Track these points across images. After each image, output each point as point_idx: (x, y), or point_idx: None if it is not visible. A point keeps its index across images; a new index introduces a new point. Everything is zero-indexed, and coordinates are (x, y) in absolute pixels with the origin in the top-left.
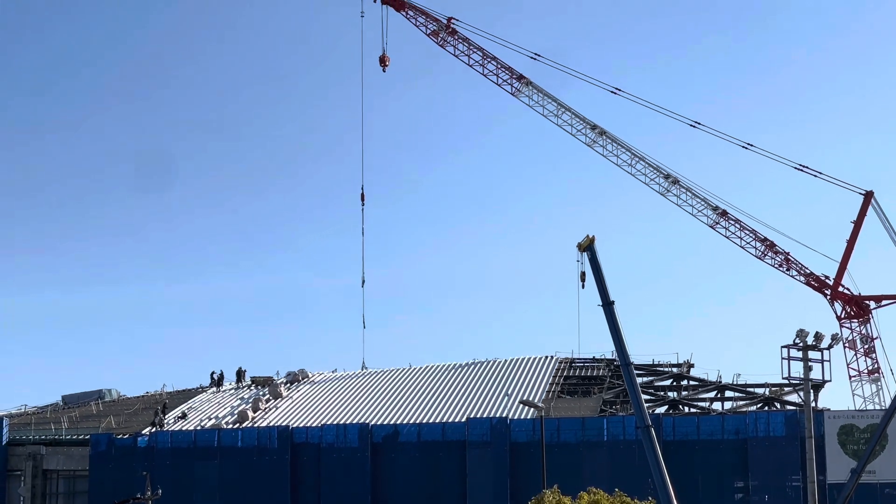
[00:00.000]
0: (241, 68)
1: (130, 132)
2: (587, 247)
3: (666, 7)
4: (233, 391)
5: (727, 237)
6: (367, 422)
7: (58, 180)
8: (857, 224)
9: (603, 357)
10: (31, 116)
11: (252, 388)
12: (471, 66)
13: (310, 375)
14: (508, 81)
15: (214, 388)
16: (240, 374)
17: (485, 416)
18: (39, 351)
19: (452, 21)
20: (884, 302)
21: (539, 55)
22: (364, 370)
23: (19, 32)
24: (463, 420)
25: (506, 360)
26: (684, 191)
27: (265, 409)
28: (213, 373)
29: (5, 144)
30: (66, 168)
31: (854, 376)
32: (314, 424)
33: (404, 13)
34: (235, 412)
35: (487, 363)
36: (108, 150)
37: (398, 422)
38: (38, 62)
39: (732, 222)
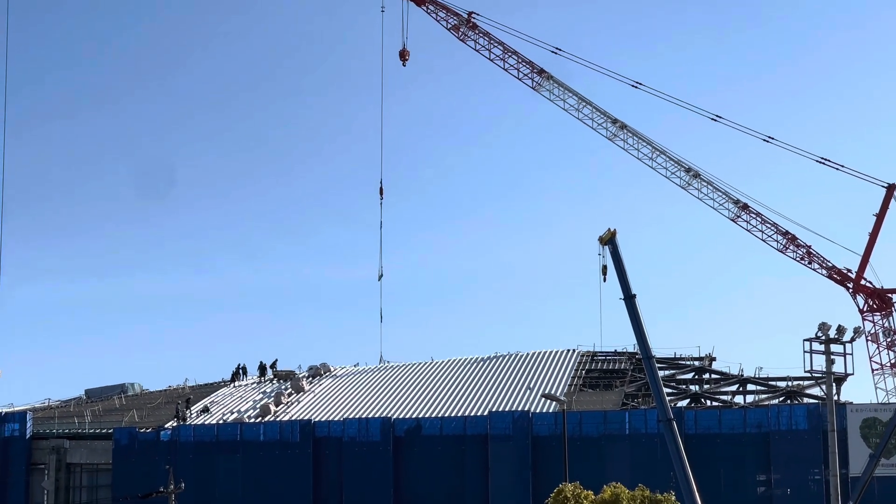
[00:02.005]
0: (262, 61)
1: (148, 122)
2: (609, 240)
3: (683, 4)
4: (255, 385)
5: (748, 230)
6: (390, 415)
7: (74, 170)
8: (880, 217)
9: (625, 350)
10: (54, 102)
11: (274, 382)
12: (492, 60)
13: (332, 369)
14: (529, 76)
15: (236, 382)
16: (262, 369)
17: (507, 409)
18: (63, 345)
19: (473, 15)
20: None
21: (560, 49)
22: (386, 364)
23: (26, 29)
24: (485, 414)
25: (528, 354)
26: (705, 184)
27: (287, 403)
28: (238, 365)
29: (37, 127)
30: (82, 158)
31: (877, 370)
32: (336, 418)
33: (425, 7)
34: (258, 406)
35: (509, 357)
36: (129, 140)
37: (420, 415)
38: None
39: (754, 216)
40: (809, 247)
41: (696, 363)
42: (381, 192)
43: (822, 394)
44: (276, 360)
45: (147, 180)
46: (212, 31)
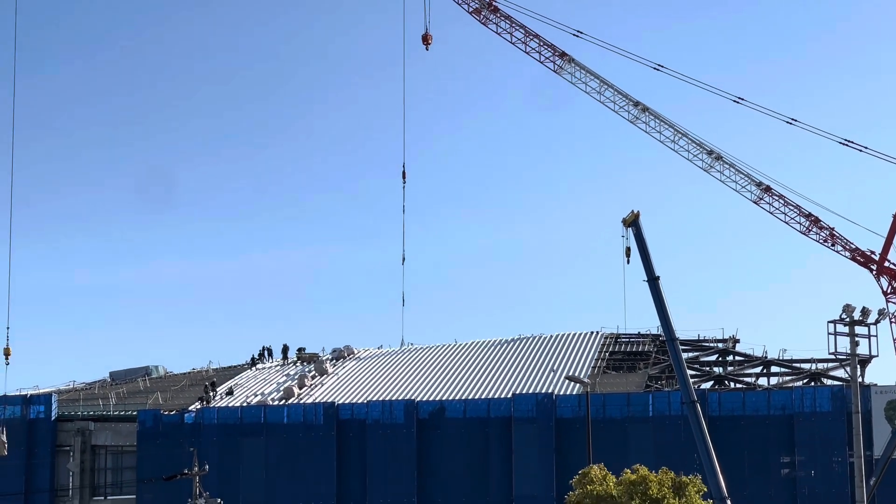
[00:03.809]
0: (289, 46)
1: (177, 110)
2: (632, 222)
3: None
4: (278, 368)
5: (771, 213)
6: (413, 398)
7: (95, 157)
8: None
9: (648, 332)
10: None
11: (298, 364)
12: (513, 43)
13: (355, 352)
14: (551, 59)
15: (260, 365)
16: (285, 351)
17: (530, 392)
18: (87, 328)
19: None
20: None
21: (581, 32)
22: (409, 346)
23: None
24: (509, 396)
25: (551, 336)
26: (727, 167)
27: (311, 385)
28: (263, 348)
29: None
30: (103, 141)
31: None
32: (360, 401)
33: None
34: (281, 389)
35: (533, 339)
36: (148, 128)
37: (444, 398)
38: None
39: (776, 198)
40: (832, 229)
41: (720, 345)
42: (404, 176)
43: (847, 376)
44: (304, 348)
45: (169, 169)
46: (237, 18)
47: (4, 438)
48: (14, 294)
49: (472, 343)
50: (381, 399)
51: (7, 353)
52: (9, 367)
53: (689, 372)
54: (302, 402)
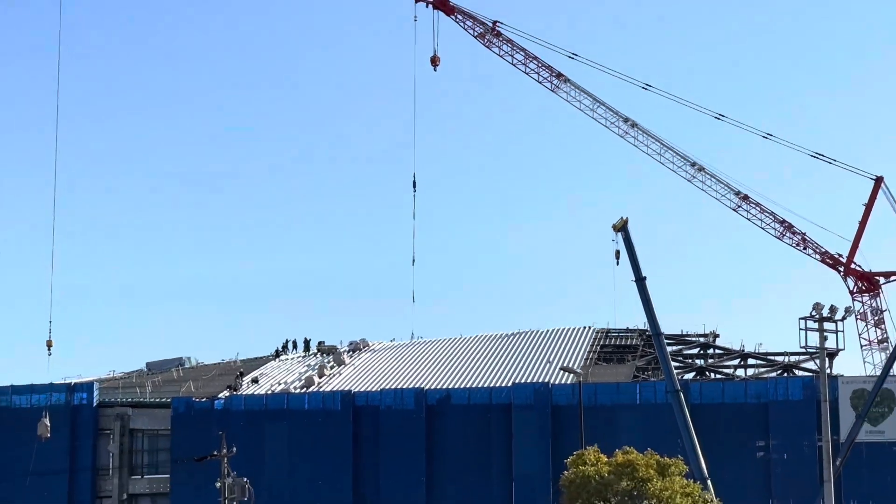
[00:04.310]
0: (308, 69)
1: (217, 118)
2: (621, 227)
3: (688, 12)
4: (300, 359)
5: (749, 219)
6: (423, 386)
7: (128, 162)
8: (868, 206)
9: (636, 328)
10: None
11: (318, 356)
12: (514, 65)
13: (370, 344)
14: (548, 79)
15: (283, 356)
16: (307, 344)
17: (528, 381)
18: (126, 322)
19: (498, 24)
20: (892, 277)
21: (576, 55)
22: (419, 340)
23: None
24: (509, 385)
25: (547, 331)
26: (709, 177)
27: (329, 375)
28: (286, 341)
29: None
30: (132, 154)
31: (865, 345)
32: (374, 389)
33: (453, 17)
34: (302, 378)
35: (531, 333)
36: (180, 138)
37: (450, 386)
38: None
39: (753, 206)
40: (804, 234)
41: (701, 339)
42: (415, 186)
43: (816, 367)
44: (323, 341)
45: (202, 174)
46: (262, 42)
47: (48, 422)
48: (59, 291)
49: (476, 337)
50: (393, 388)
51: (49, 345)
52: (55, 358)
53: (673, 364)
54: (321, 390)
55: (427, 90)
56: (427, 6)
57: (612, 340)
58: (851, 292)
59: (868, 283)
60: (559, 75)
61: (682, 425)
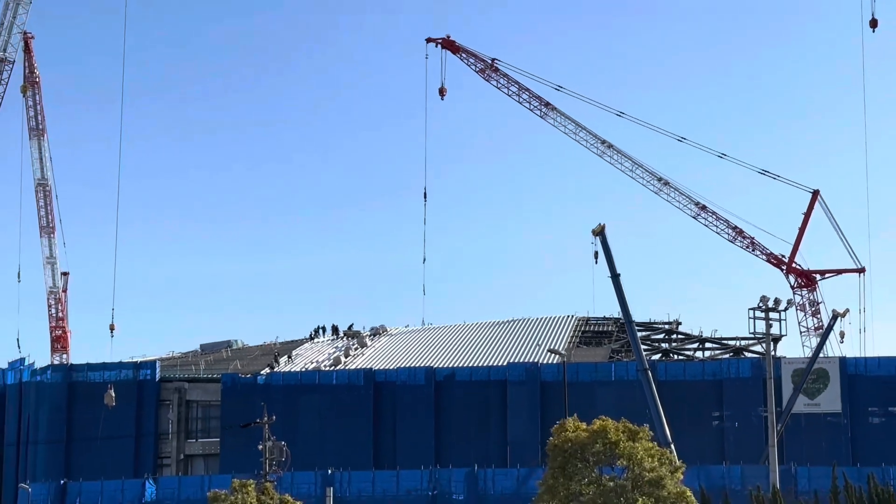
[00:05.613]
0: (342, 109)
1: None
2: (599, 232)
3: (657, 50)
4: (329, 341)
5: (706, 226)
6: (432, 365)
7: (189, 170)
8: (807, 214)
9: (612, 317)
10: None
11: (344, 339)
12: (509, 95)
13: (388, 330)
14: (538, 107)
15: (316, 339)
16: (335, 329)
17: (521, 361)
18: (183, 309)
19: (496, 61)
20: (827, 275)
21: (562, 87)
22: (429, 326)
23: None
24: (504, 364)
25: (537, 318)
26: (673, 190)
27: (354, 355)
28: (318, 326)
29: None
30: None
31: (804, 332)
32: (391, 367)
33: (459, 55)
34: (331, 358)
35: (523, 320)
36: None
37: (455, 365)
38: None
39: (710, 214)
40: (753, 238)
41: (666, 326)
42: (425, 196)
43: (763, 350)
44: (352, 324)
45: (250, 188)
46: (292, 73)
47: (113, 393)
48: (125, 280)
49: (477, 323)
50: (407, 366)
51: (112, 329)
52: (123, 339)
53: (643, 347)
54: (347, 368)
55: (436, 116)
56: (436, 46)
57: (592, 327)
58: (792, 287)
59: (806, 279)
60: (547, 104)
61: (649, 399)
